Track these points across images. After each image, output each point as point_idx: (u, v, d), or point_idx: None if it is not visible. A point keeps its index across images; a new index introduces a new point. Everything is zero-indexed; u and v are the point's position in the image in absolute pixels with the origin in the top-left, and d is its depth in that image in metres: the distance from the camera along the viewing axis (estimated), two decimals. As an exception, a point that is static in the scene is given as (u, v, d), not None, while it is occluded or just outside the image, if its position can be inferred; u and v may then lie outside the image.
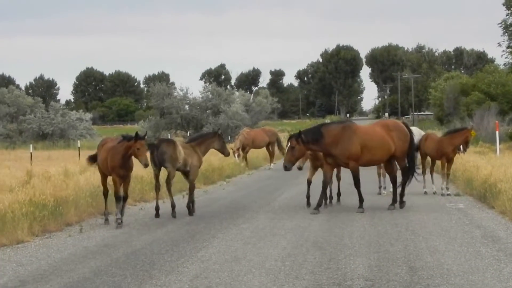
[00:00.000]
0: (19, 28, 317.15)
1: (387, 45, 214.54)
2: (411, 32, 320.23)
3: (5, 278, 11.59)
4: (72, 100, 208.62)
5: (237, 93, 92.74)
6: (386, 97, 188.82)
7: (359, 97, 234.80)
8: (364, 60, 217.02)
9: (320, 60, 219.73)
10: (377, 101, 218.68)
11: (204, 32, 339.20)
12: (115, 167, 16.80)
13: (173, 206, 18.83)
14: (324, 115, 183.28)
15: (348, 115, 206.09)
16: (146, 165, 16.54)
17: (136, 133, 16.72)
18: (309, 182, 20.32)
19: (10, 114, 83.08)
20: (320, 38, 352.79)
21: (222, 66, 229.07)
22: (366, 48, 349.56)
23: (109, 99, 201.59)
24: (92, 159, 18.58)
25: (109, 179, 17.77)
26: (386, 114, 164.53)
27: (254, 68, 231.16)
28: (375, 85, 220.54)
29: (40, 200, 16.55)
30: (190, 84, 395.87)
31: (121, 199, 17.01)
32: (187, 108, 77.41)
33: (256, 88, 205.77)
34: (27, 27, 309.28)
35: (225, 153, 20.52)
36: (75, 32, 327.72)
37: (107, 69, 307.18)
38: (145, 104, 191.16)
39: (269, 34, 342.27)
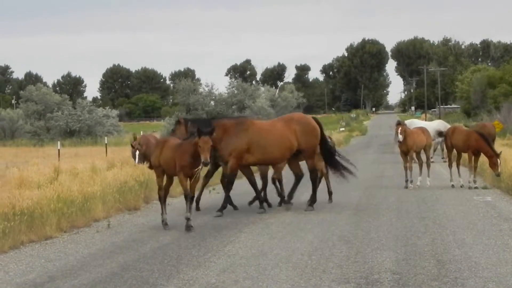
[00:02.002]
0: (45, 26, 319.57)
1: (413, 38, 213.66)
2: (437, 25, 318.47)
3: (34, 273, 11.69)
4: (99, 97, 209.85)
5: (262, 88, 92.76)
6: (412, 91, 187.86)
7: (385, 91, 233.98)
8: (390, 53, 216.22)
9: (346, 54, 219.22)
10: (403, 95, 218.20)
11: (229, 28, 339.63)
12: (185, 167, 15.48)
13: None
14: (350, 109, 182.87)
15: (373, 109, 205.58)
16: (205, 164, 15.16)
17: (199, 129, 15.31)
18: (273, 180, 20.09)
19: (38, 111, 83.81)
20: (346, 32, 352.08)
21: (248, 62, 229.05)
22: (391, 42, 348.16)
23: (136, 95, 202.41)
24: (140, 158, 18.53)
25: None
26: (412, 108, 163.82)
27: (279, 63, 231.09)
28: (401, 79, 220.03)
29: (68, 197, 16.66)
30: (215, 80, 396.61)
31: (191, 199, 15.75)
32: (213, 104, 77.55)
33: (282, 83, 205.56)
34: (53, 24, 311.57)
35: None
36: (101, 29, 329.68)
37: (134, 66, 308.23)
38: (171, 100, 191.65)
39: (294, 28, 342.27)
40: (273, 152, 18.43)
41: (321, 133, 19.09)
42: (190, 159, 15.36)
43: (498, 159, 22.26)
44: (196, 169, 15.38)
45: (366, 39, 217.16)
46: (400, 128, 23.16)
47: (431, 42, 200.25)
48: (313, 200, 18.87)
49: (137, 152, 23.95)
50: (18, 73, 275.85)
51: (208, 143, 15.04)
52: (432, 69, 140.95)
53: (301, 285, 10.34)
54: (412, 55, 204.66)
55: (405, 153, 23.66)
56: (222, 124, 18.42)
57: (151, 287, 10.44)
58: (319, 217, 17.26)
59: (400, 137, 23.01)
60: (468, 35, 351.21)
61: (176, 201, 21.08)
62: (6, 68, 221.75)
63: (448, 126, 27.13)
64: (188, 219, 15.56)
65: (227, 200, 18.68)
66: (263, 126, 18.90)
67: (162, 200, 16.38)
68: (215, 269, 11.53)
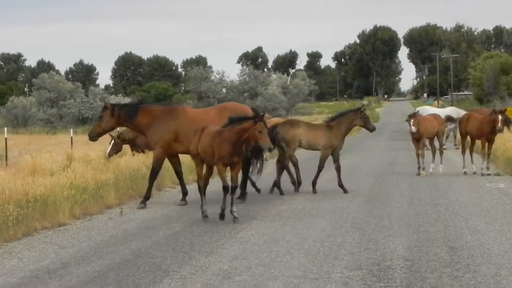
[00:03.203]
0: (58, 14, 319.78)
1: (425, 25, 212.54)
2: (450, 12, 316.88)
3: (47, 260, 11.74)
4: (111, 85, 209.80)
5: (274, 75, 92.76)
6: (424, 78, 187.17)
7: (397, 78, 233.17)
8: (402, 40, 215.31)
9: (358, 41, 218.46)
10: (415, 82, 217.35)
11: (241, 15, 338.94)
12: (224, 156, 14.65)
13: (276, 182, 19.51)
14: (361, 96, 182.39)
15: (385, 96, 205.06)
16: (270, 149, 14.76)
17: (256, 113, 14.57)
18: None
19: (50, 99, 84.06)
20: (357, 19, 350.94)
21: (259, 49, 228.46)
22: (404, 29, 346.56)
23: (148, 83, 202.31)
24: (112, 149, 18.27)
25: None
26: (425, 95, 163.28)
27: (291, 51, 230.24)
28: (413, 66, 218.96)
29: (80, 184, 16.72)
30: (227, 68, 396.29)
31: (230, 190, 14.89)
32: (224, 91, 77.60)
33: (293, 70, 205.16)
34: (66, 12, 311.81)
35: (370, 128, 20.13)
36: (113, 17, 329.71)
37: (146, 54, 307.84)
38: (183, 88, 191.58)
39: (306, 16, 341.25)
40: None
41: None
42: (230, 147, 14.58)
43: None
44: (238, 158, 14.76)
45: (378, 25, 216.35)
46: (412, 120, 23.10)
47: (444, 28, 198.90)
48: (243, 192, 18.20)
49: (112, 142, 23.02)
50: (31, 61, 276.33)
51: (264, 128, 14.29)
52: (445, 56, 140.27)
53: (313, 271, 10.35)
54: (425, 42, 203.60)
55: (417, 140, 23.61)
56: (150, 110, 18.04)
57: (164, 274, 10.47)
58: (331, 204, 17.26)
59: (413, 128, 22.95)
60: (481, 22, 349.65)
61: (189, 187, 21.08)
62: (19, 56, 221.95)
63: (462, 113, 26.99)
64: (232, 212, 14.84)
65: (149, 190, 18.01)
66: (195, 114, 18.33)
67: (202, 190, 15.54)
68: (228, 256, 11.56)
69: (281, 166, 19.83)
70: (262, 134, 14.15)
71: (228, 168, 14.98)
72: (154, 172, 18.12)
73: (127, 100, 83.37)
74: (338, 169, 19.46)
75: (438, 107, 57.48)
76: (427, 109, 36.07)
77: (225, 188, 14.86)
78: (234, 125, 14.64)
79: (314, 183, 19.49)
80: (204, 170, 15.71)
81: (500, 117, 22.58)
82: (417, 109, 22.27)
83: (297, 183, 19.88)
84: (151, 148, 19.40)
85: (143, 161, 20.90)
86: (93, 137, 18.34)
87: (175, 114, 17.90)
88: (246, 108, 18.37)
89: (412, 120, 23.08)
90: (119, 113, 17.90)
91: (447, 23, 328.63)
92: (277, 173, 19.73)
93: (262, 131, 14.15)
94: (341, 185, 19.37)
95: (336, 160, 19.53)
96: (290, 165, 19.99)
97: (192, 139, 15.72)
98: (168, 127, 17.67)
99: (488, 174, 22.93)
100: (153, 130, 17.74)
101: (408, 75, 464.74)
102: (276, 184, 19.54)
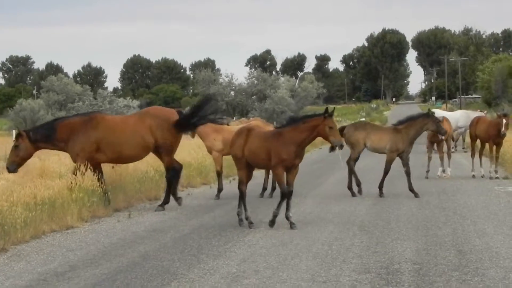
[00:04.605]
0: (66, 17, 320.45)
1: (434, 28, 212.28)
2: (458, 15, 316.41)
3: (55, 263, 11.76)
4: (120, 88, 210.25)
5: (282, 78, 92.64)
6: (433, 81, 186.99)
7: (405, 81, 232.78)
8: (410, 43, 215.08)
9: (366, 44, 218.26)
10: (423, 85, 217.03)
11: (249, 18, 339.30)
12: (285, 159, 13.92)
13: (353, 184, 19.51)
14: (370, 99, 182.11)
15: (394, 99, 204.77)
16: (341, 146, 13.81)
17: (326, 109, 13.80)
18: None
19: (59, 101, 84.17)
20: (366, 22, 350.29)
21: (268, 52, 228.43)
22: (412, 32, 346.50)
23: (156, 86, 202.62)
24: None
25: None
26: (433, 98, 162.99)
27: (299, 54, 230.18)
28: (422, 69, 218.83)
29: (89, 186, 16.72)
30: (235, 70, 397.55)
31: (290, 194, 14.24)
32: (232, 94, 77.65)
33: (302, 73, 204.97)
34: (74, 15, 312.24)
35: (441, 132, 19.78)
36: (121, 20, 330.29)
37: (154, 56, 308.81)
38: (191, 90, 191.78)
39: (314, 19, 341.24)
40: (125, 150, 17.21)
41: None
42: (295, 149, 13.88)
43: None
44: (299, 161, 14.10)
45: (387, 29, 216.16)
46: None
47: (452, 31, 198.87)
48: (165, 201, 17.65)
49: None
50: (39, 64, 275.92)
51: (335, 124, 13.69)
52: (453, 59, 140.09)
53: (321, 275, 10.34)
54: (433, 45, 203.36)
55: (433, 143, 23.84)
56: (68, 123, 17.23)
57: (172, 277, 10.47)
58: (339, 207, 17.25)
59: None
60: (489, 25, 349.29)
61: (197, 191, 21.14)
62: (27, 58, 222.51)
63: (472, 116, 26.97)
64: (288, 217, 14.30)
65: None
66: (114, 122, 17.62)
67: (244, 196, 14.81)
68: (236, 259, 11.56)
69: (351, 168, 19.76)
70: (333, 130, 13.58)
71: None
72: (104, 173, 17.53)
73: (136, 102, 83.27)
74: (407, 174, 19.23)
75: (446, 111, 57.41)
76: (438, 113, 35.99)
77: (285, 194, 14.14)
78: (298, 124, 14.02)
79: (380, 187, 19.35)
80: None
81: (504, 121, 22.56)
82: (432, 110, 22.14)
83: (359, 184, 19.79)
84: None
85: (151, 163, 20.91)
86: (13, 170, 17.23)
87: (94, 123, 17.13)
88: (168, 113, 17.84)
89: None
90: (36, 137, 17.00)
91: (455, 26, 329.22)
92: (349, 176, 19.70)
93: (332, 127, 13.58)
94: (411, 189, 19.08)
95: (405, 165, 19.32)
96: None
97: (235, 141, 14.86)
98: (88, 137, 16.96)
99: (497, 178, 22.90)
100: (73, 142, 16.96)
101: (416, 78, 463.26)
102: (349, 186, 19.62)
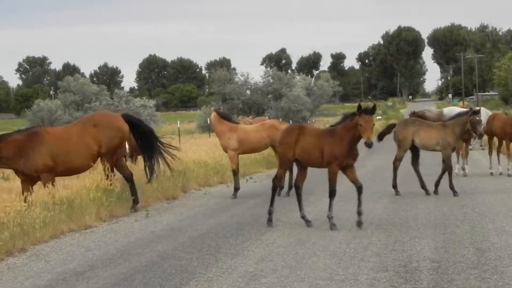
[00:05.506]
0: (82, 17, 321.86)
1: (450, 25, 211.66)
2: (474, 12, 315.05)
3: (75, 263, 11.82)
4: (136, 87, 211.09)
5: (298, 77, 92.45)
6: (449, 78, 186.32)
7: (421, 79, 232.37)
8: (426, 41, 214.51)
9: (382, 42, 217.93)
10: (440, 83, 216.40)
11: (265, 17, 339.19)
12: (340, 156, 13.84)
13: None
14: (386, 97, 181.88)
15: (410, 97, 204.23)
16: (369, 145, 13.28)
17: (359, 106, 13.70)
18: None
19: (75, 102, 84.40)
20: (381, 19, 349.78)
21: (283, 51, 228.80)
22: (428, 29, 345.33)
23: (172, 85, 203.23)
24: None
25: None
26: (450, 95, 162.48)
27: (314, 52, 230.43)
28: (438, 66, 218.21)
29: (106, 186, 16.79)
30: (251, 69, 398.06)
31: (360, 189, 14.21)
32: (248, 93, 77.61)
33: (317, 71, 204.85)
34: (90, 15, 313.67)
35: (478, 133, 19.56)
36: (137, 20, 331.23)
37: (170, 56, 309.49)
38: (207, 90, 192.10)
39: (329, 17, 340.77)
40: (76, 160, 16.64)
41: (138, 128, 17.93)
42: (348, 146, 13.78)
43: None
44: (353, 160, 13.98)
45: (402, 26, 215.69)
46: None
47: (468, 28, 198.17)
48: (136, 201, 17.49)
49: None
50: (56, 64, 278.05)
51: (370, 121, 13.41)
52: (469, 56, 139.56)
53: (339, 273, 10.33)
54: (449, 42, 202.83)
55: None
56: (11, 140, 16.23)
57: (190, 276, 10.50)
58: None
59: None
60: (505, 21, 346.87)
61: (214, 190, 21.16)
62: (44, 59, 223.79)
63: (489, 113, 26.86)
64: (360, 213, 14.16)
65: None
66: (59, 133, 16.98)
67: (300, 197, 14.79)
68: (253, 258, 11.57)
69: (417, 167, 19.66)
70: (363, 128, 13.35)
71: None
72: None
73: (152, 102, 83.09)
74: (446, 171, 19.14)
75: (463, 108, 57.15)
76: (455, 110, 35.84)
77: (333, 192, 14.22)
78: (347, 121, 13.84)
79: (451, 187, 18.88)
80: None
81: None
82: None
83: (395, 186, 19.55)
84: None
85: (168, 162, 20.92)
86: None
87: (39, 137, 16.38)
88: (112, 118, 17.50)
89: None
90: None
91: (471, 23, 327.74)
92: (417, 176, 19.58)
93: (362, 124, 13.33)
94: (451, 187, 18.86)
95: (445, 161, 19.18)
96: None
97: (285, 139, 14.59)
98: (40, 152, 16.20)
99: (515, 175, 22.79)
100: (26, 159, 16.12)
101: (432, 76, 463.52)
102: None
